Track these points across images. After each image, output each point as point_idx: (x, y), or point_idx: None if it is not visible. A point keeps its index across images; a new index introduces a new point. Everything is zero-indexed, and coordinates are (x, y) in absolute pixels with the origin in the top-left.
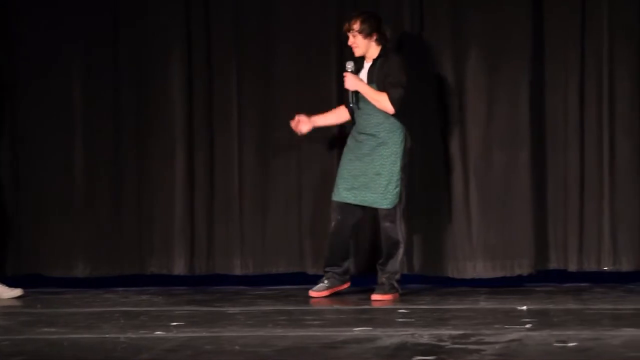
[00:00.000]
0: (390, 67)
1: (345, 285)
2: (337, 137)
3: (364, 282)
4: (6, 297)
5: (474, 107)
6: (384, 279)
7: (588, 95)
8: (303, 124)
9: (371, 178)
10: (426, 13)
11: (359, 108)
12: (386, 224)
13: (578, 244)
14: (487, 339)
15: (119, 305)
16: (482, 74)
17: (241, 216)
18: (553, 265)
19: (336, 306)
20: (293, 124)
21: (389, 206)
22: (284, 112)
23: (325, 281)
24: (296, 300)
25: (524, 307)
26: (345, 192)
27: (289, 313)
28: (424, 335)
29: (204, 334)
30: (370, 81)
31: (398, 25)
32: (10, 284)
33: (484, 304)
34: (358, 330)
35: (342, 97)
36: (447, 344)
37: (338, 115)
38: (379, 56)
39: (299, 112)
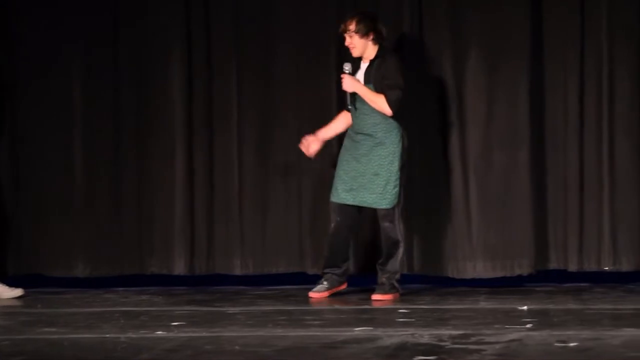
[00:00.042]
0: (387, 68)
1: (343, 286)
2: (337, 136)
3: (364, 282)
4: (6, 297)
5: (473, 107)
6: (384, 279)
7: (588, 95)
8: (312, 144)
9: (369, 179)
10: (425, 13)
11: (355, 109)
12: (385, 224)
13: (578, 244)
14: (487, 339)
15: (119, 305)
16: (482, 74)
17: (241, 216)
18: (553, 265)
19: (336, 306)
20: (303, 147)
21: (388, 206)
22: (284, 112)
23: (325, 282)
24: (296, 300)
25: (524, 307)
26: (344, 193)
27: (289, 313)
28: (424, 335)
29: (204, 334)
30: (367, 82)
31: (397, 26)
32: (11, 283)
33: (484, 304)
34: (358, 330)
35: (342, 97)
36: (448, 344)
37: (342, 121)
38: (376, 56)
39: (299, 112)
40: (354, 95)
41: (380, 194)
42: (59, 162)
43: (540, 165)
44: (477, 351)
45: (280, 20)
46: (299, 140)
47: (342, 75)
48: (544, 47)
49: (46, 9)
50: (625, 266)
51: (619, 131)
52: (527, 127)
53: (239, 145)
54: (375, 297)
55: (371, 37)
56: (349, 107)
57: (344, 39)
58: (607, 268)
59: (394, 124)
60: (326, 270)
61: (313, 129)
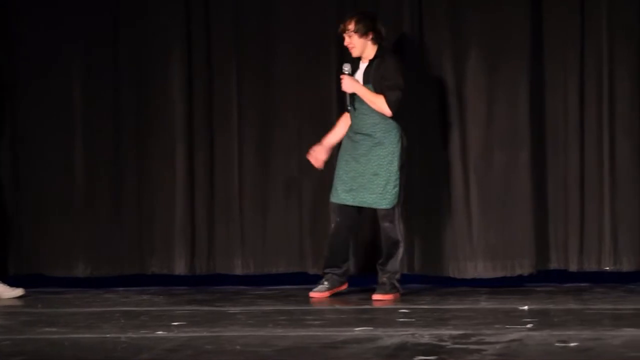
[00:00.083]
0: (386, 68)
1: (344, 287)
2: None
3: (364, 282)
4: (7, 297)
5: (473, 107)
6: (384, 279)
7: (588, 95)
8: (319, 153)
9: (369, 179)
10: (425, 13)
11: (354, 109)
12: (385, 224)
13: (578, 244)
14: (487, 339)
15: (119, 305)
16: (482, 74)
17: (241, 216)
18: (554, 265)
19: (337, 306)
20: (312, 159)
21: (388, 206)
22: (284, 112)
23: (325, 282)
24: (297, 300)
25: (525, 307)
26: (343, 193)
27: (290, 313)
28: (425, 335)
29: (205, 333)
30: (366, 82)
31: (398, 26)
32: (12, 283)
33: (485, 304)
34: (359, 330)
35: (342, 97)
36: (448, 344)
37: (344, 125)
38: (376, 56)
39: (299, 112)
40: (353, 96)
41: (380, 194)
42: (59, 162)
43: (541, 165)
44: (478, 351)
45: (280, 20)
46: (299, 140)
47: (342, 76)
48: (544, 47)
49: (46, 9)
50: (626, 266)
51: (620, 131)
52: (528, 127)
53: (239, 145)
54: (376, 297)
55: (370, 37)
56: (349, 108)
57: (343, 39)
58: (607, 268)
59: (393, 124)
60: (327, 271)
61: (313, 129)
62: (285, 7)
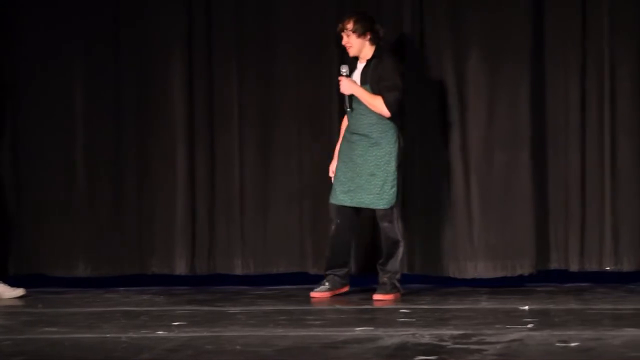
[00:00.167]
0: (384, 69)
1: (345, 289)
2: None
3: (365, 282)
4: (8, 297)
5: (474, 108)
6: (385, 279)
7: (588, 96)
8: (334, 166)
9: (366, 179)
10: (426, 13)
11: (352, 110)
12: (384, 224)
13: (579, 244)
14: (488, 339)
15: (120, 305)
16: (482, 74)
17: (242, 216)
18: (554, 265)
19: (337, 306)
20: (332, 174)
21: (386, 206)
22: (284, 112)
23: (327, 283)
24: (297, 300)
25: (525, 307)
26: (342, 195)
27: (290, 313)
28: (425, 335)
29: (205, 333)
30: (364, 82)
31: (398, 26)
32: (12, 283)
33: (485, 304)
34: (359, 330)
35: (342, 97)
36: (448, 344)
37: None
38: (373, 57)
39: (299, 112)
40: (351, 97)
41: (378, 194)
42: (59, 162)
43: (541, 165)
44: (478, 351)
45: (281, 21)
46: (299, 140)
47: (340, 78)
48: (545, 47)
49: (46, 9)
50: (627, 266)
51: (620, 131)
52: (528, 127)
53: (239, 145)
54: (376, 297)
55: (368, 37)
56: (348, 109)
57: (341, 38)
58: (608, 268)
59: (390, 124)
60: (328, 272)
61: (313, 129)
62: (285, 7)
